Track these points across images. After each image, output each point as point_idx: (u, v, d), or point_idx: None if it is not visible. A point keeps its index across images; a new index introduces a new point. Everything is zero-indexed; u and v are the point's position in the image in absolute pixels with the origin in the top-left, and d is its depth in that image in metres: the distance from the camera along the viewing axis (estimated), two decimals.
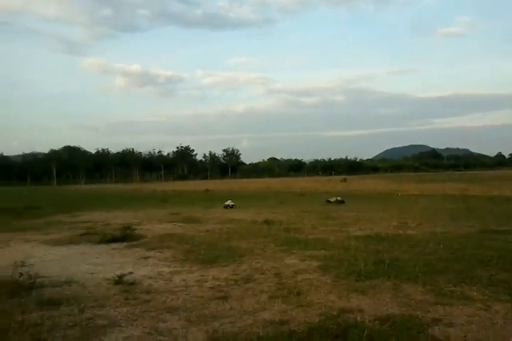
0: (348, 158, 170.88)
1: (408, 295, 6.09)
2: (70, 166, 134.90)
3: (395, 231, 12.26)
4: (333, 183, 53.84)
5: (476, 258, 8.29)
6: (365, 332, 4.58)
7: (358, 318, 5.15)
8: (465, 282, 6.66)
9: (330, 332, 4.65)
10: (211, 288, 6.78)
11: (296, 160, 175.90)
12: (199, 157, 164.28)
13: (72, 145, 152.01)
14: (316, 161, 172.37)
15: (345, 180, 61.40)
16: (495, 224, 13.18)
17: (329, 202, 24.05)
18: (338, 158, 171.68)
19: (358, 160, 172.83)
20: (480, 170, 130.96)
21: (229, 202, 22.14)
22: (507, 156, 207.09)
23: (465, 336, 4.59)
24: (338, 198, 24.26)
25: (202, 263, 8.63)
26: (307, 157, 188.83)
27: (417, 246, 9.81)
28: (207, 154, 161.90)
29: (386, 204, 22.41)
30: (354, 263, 8.00)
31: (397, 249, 9.52)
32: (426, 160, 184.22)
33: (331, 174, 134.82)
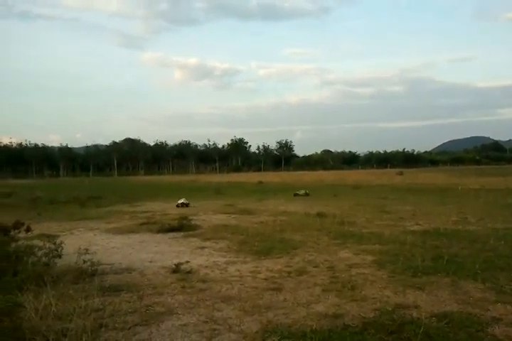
0: (405, 150, 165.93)
1: (467, 293, 5.91)
2: (130, 158, 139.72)
3: (454, 227, 11.87)
4: (389, 176, 52.61)
5: None
6: (422, 328, 4.49)
7: (415, 314, 5.06)
8: None
9: (385, 328, 4.60)
10: (265, 279, 6.87)
11: (350, 152, 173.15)
12: (253, 149, 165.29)
13: (132, 137, 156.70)
14: (371, 154, 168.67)
15: (401, 173, 59.79)
16: None
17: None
18: (394, 150, 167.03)
19: (415, 152, 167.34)
20: None
21: (183, 200, 18.87)
22: None
23: None
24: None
25: (256, 254, 8.75)
26: (361, 149, 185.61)
27: (477, 242, 9.46)
28: (260, 146, 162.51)
29: (445, 198, 21.67)
30: (411, 259, 7.85)
31: (456, 244, 9.23)
32: (488, 153, 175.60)
33: (386, 167, 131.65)
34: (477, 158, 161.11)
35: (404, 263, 7.54)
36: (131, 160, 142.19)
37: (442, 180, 39.84)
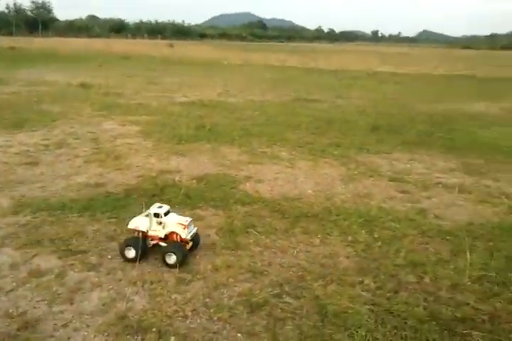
0: (176, 21, 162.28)
1: (225, 157, 6.41)
2: None
3: (217, 98, 12.47)
4: (159, 48, 51.34)
5: (287, 123, 9.01)
6: (182, 190, 4.75)
7: (177, 178, 5.28)
8: (276, 144, 7.25)
9: (147, 192, 4.71)
10: (17, 153, 6.20)
11: (118, 19, 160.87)
12: (0, 8, 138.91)
13: None
14: (141, 23, 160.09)
15: (171, 45, 58.81)
16: (307, 93, 14.24)
17: None
18: (166, 20, 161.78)
19: (185, 24, 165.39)
20: (300, 43, 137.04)
21: None
22: (326, 31, 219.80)
23: (271, 189, 5.08)
24: None
25: (7, 128, 7.78)
26: (131, 17, 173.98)
27: (236, 112, 10.20)
28: (11, 5, 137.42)
29: (211, 72, 22.38)
30: (176, 128, 8.05)
31: (218, 114, 9.78)
32: (253, 30, 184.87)
33: (157, 38, 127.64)
34: (243, 34, 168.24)
35: (169, 132, 7.71)
36: None
37: (210, 54, 40.79)
